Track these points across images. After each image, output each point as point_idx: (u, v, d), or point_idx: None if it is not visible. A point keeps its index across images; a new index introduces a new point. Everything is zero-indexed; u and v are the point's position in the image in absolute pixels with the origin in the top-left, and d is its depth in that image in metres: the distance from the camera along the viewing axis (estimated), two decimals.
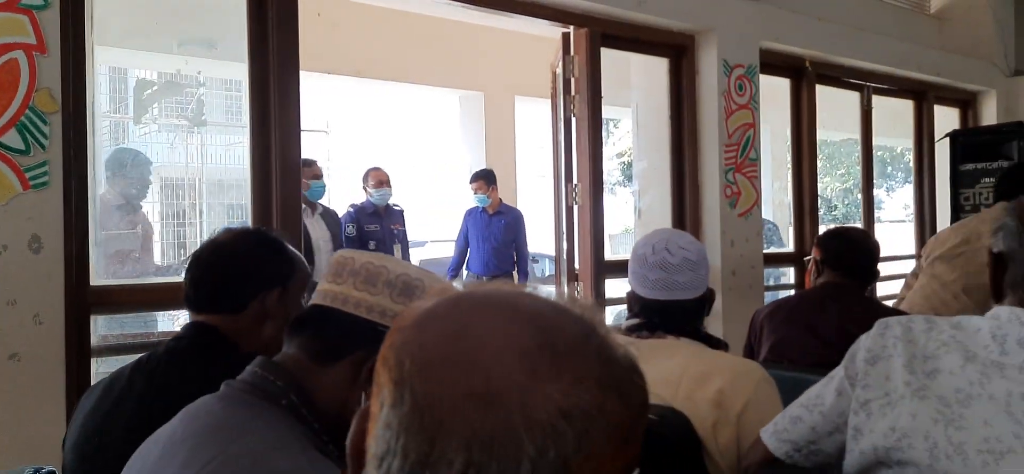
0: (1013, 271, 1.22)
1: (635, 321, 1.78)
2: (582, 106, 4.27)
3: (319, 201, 5.09)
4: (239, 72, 3.35)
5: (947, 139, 6.13)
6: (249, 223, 3.16)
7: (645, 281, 1.76)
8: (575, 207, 4.31)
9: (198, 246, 1.56)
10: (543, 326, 0.52)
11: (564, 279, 4.34)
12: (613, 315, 4.49)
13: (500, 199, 6.22)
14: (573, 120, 4.31)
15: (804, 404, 1.39)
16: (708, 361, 1.67)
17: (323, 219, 5.03)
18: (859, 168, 6.22)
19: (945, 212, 6.15)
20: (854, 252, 2.71)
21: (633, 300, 1.82)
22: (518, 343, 0.50)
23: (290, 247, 1.55)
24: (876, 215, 7.19)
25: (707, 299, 1.79)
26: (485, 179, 6.10)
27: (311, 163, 4.93)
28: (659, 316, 1.74)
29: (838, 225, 4.00)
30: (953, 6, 6.96)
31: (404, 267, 1.10)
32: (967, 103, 6.88)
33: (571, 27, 4.25)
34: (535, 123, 7.10)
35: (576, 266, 4.32)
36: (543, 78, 4.68)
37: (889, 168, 16.31)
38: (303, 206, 4.65)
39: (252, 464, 0.92)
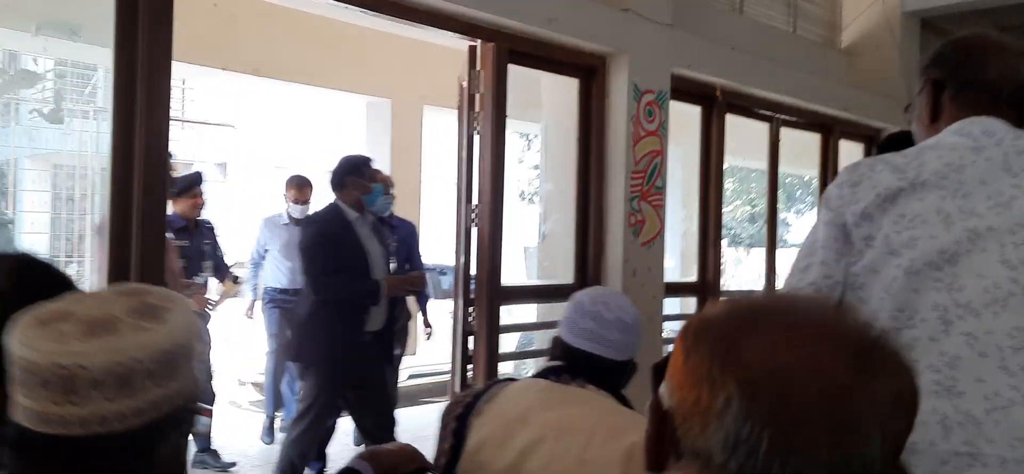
0: (951, 87, 1.39)
1: (557, 364, 1.73)
2: (486, 123, 4.11)
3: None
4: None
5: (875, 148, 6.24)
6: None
7: (574, 327, 1.73)
8: (474, 228, 4.14)
9: None
10: (856, 331, 0.62)
11: (461, 301, 4.16)
12: (514, 341, 4.33)
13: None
14: (476, 137, 4.14)
15: (804, 254, 1.43)
16: (626, 418, 1.64)
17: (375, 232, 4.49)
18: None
19: None
20: None
21: (558, 345, 1.78)
22: (845, 347, 0.59)
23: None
24: (784, 239, 7.31)
25: (630, 368, 1.76)
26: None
27: (368, 164, 4.47)
28: (582, 364, 1.70)
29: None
30: (862, 42, 7.10)
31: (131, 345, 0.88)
32: (871, 138, 7.01)
33: (479, 41, 4.08)
34: (445, 133, 6.89)
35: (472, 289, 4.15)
36: (454, 89, 4.50)
37: (799, 192, 16.77)
38: (358, 215, 4.32)
39: None
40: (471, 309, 4.16)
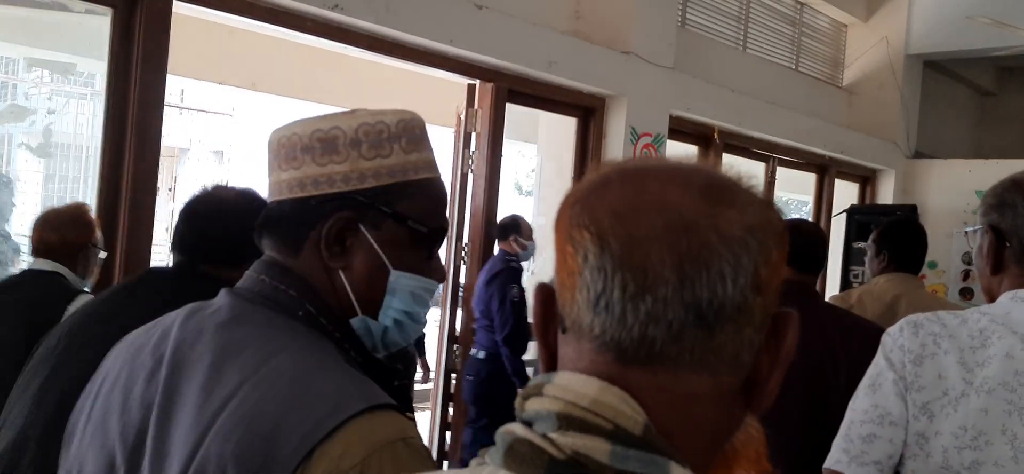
0: (1015, 246, 1.27)
1: None
2: (480, 163, 4.09)
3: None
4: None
5: (844, 214, 6.25)
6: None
7: None
8: (463, 267, 4.13)
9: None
10: (706, 171, 0.61)
11: (445, 340, 4.16)
12: None
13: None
14: (470, 176, 4.13)
15: (868, 420, 1.30)
16: None
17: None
18: None
19: (834, 286, 6.25)
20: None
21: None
22: (694, 185, 0.58)
23: None
24: None
25: None
26: None
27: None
28: None
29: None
30: (864, 81, 7.09)
31: (347, 119, 0.96)
32: (867, 179, 7.03)
33: (478, 81, 4.06)
34: (442, 153, 6.87)
35: (457, 328, 4.15)
36: (452, 110, 4.47)
37: (796, 206, 16.80)
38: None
39: (291, 387, 0.83)
40: (456, 347, 4.16)
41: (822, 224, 6.52)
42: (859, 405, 1.33)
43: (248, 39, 5.02)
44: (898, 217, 3.48)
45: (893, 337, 1.31)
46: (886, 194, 6.95)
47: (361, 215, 0.94)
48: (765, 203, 0.62)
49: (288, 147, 0.95)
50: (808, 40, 6.76)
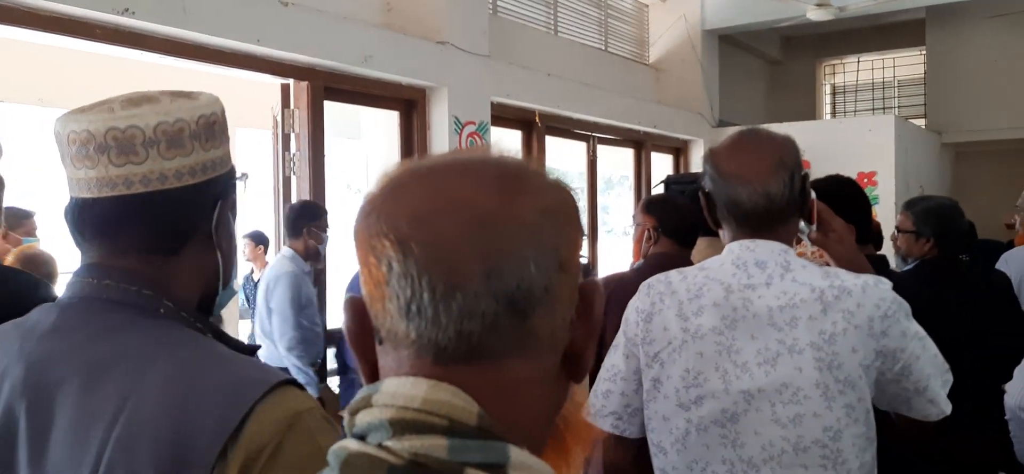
0: (719, 208, 1.42)
1: None
2: (303, 164, 3.96)
3: None
4: None
5: (662, 185, 6.60)
6: None
7: None
8: None
9: None
10: (496, 162, 0.62)
11: None
12: (334, 388, 4.22)
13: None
14: (293, 179, 3.99)
15: (605, 378, 1.49)
16: None
17: None
18: (586, 215, 6.46)
19: None
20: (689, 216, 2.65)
21: None
22: (486, 178, 0.60)
23: None
24: (608, 227, 7.74)
25: None
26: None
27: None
28: None
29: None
30: (668, 58, 7.51)
31: (176, 109, 0.93)
32: (679, 150, 7.45)
33: (291, 79, 3.92)
34: (261, 156, 6.60)
35: None
36: (268, 111, 4.28)
37: (619, 179, 17.56)
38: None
39: (190, 385, 0.82)
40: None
41: (641, 195, 6.85)
42: (604, 363, 1.52)
43: (35, 56, 4.59)
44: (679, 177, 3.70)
45: (632, 301, 1.48)
46: (697, 163, 7.39)
47: (201, 207, 0.95)
48: (557, 185, 0.64)
49: (102, 143, 0.91)
50: (614, 21, 7.06)
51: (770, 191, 1.36)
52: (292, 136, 3.96)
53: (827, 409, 1.30)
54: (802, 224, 1.53)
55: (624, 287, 2.61)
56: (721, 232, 1.47)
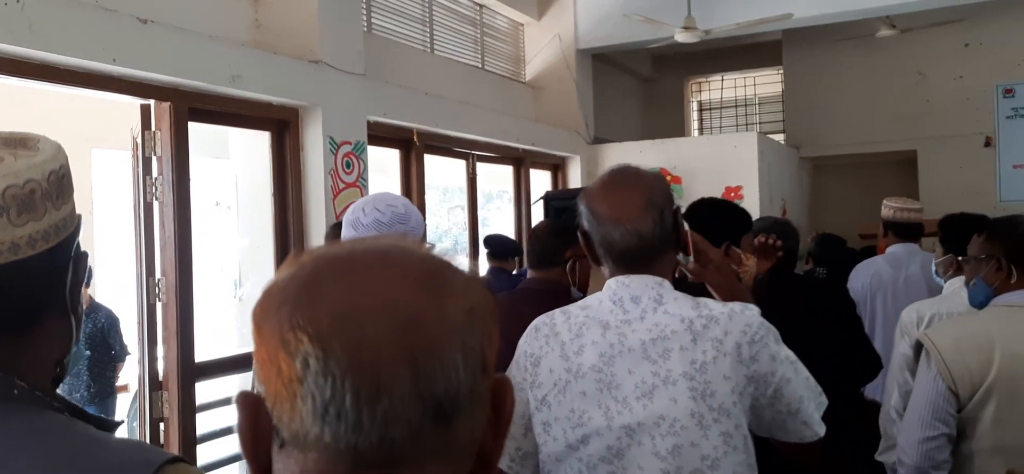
0: (596, 247, 1.46)
1: None
2: (166, 190, 3.76)
3: None
4: None
5: (541, 201, 6.68)
6: None
7: None
8: (159, 304, 3.77)
9: None
10: (418, 257, 0.61)
11: (147, 386, 3.77)
12: (213, 421, 4.02)
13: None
14: (156, 205, 3.78)
15: (515, 424, 1.49)
16: None
17: None
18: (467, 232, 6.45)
19: None
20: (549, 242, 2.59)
21: None
22: (410, 275, 0.58)
23: None
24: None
25: None
26: None
27: None
28: None
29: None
30: (544, 76, 7.63)
31: (24, 169, 0.85)
32: (557, 167, 7.57)
33: (152, 100, 3.72)
34: (120, 179, 6.25)
35: (160, 371, 3.79)
36: (127, 129, 4.04)
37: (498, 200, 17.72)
38: None
39: (71, 464, 0.77)
40: (162, 393, 3.80)
41: (522, 213, 6.92)
42: None
43: None
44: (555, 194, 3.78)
45: (521, 343, 1.50)
46: (575, 178, 7.53)
47: (56, 272, 0.88)
48: (478, 281, 0.63)
49: None
50: (490, 39, 7.11)
51: (641, 231, 1.41)
52: (153, 159, 3.75)
53: (703, 438, 1.32)
54: (680, 256, 1.57)
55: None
56: (602, 268, 1.50)
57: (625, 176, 1.47)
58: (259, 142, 4.41)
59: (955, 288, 2.74)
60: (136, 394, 4.29)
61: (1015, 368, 1.92)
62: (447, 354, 0.56)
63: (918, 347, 2.05)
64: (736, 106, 10.67)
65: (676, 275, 1.69)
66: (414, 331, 0.56)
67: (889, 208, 3.79)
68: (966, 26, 8.33)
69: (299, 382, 0.55)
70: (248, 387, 0.66)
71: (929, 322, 2.64)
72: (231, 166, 4.63)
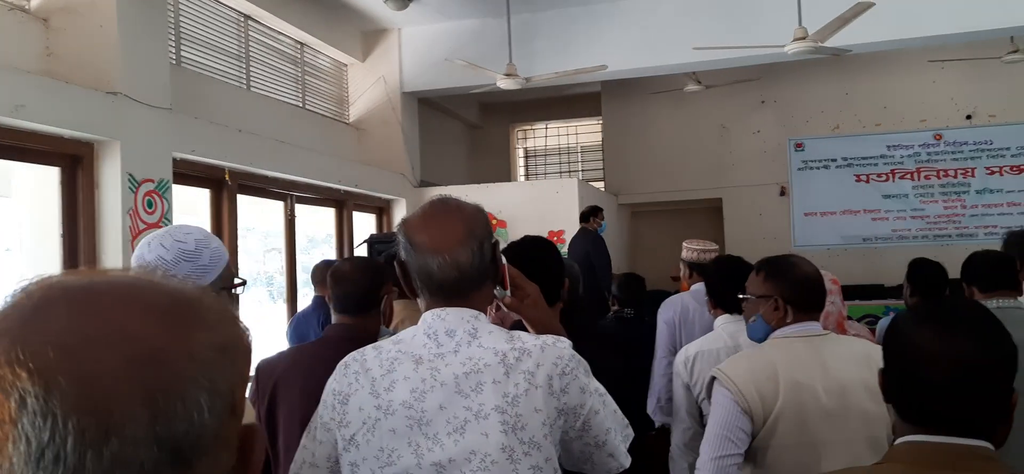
0: (413, 277, 1.42)
1: None
2: None
3: None
4: None
5: (365, 244, 6.55)
6: None
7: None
8: None
9: None
10: (166, 289, 0.56)
11: None
12: None
13: None
14: None
15: (294, 469, 1.45)
16: None
17: None
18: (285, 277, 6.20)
19: None
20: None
21: None
22: (155, 306, 0.53)
23: None
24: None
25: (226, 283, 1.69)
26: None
27: None
28: None
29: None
30: (369, 118, 7.55)
31: None
32: (382, 209, 7.48)
33: None
34: None
35: None
36: None
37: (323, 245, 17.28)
38: None
39: None
40: None
41: (344, 254, 6.75)
42: (294, 458, 1.49)
43: None
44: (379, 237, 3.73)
45: (330, 382, 1.44)
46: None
47: None
48: (231, 318, 0.59)
49: None
50: (312, 79, 6.96)
51: (460, 262, 1.38)
52: None
53: (514, 472, 1.31)
54: (497, 290, 1.55)
55: (292, 365, 2.36)
56: (418, 300, 1.46)
57: (446, 206, 1.44)
58: (48, 178, 4.03)
59: (718, 324, 2.94)
60: None
61: (799, 396, 2.05)
62: (190, 392, 0.52)
63: (712, 381, 2.15)
64: (560, 153, 11.05)
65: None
66: (154, 366, 0.51)
67: (690, 250, 4.03)
68: (762, 84, 9.10)
69: (12, 423, 0.48)
70: None
71: (695, 359, 2.80)
72: (15, 205, 4.19)
